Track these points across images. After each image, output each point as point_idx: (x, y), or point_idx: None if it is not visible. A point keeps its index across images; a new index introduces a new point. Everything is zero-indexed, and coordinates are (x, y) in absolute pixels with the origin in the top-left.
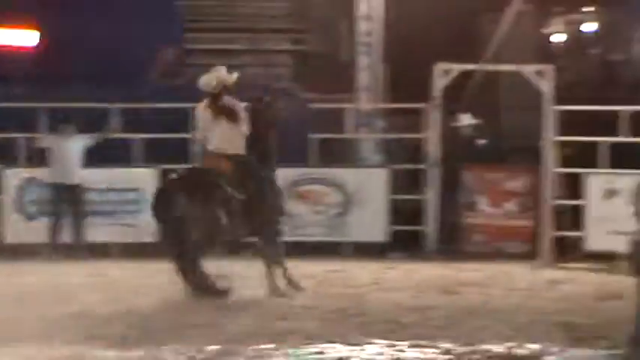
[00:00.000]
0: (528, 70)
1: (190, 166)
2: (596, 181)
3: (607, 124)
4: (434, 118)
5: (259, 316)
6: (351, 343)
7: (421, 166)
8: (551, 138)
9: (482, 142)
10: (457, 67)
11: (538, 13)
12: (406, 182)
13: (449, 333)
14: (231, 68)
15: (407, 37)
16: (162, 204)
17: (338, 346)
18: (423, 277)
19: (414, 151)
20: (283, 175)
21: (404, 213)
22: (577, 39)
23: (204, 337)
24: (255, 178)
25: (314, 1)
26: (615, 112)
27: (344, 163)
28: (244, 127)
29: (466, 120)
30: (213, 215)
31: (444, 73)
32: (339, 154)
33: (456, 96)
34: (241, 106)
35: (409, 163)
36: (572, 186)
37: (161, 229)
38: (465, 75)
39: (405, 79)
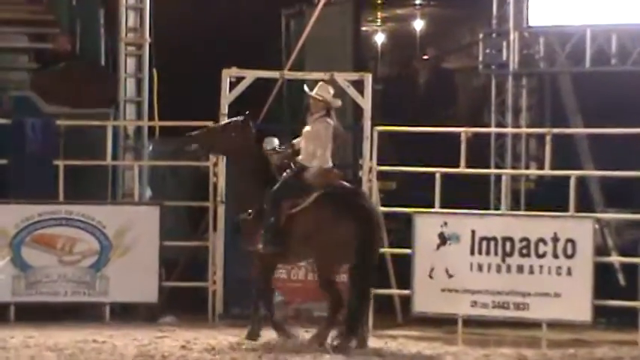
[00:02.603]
0: (342, 78)
1: None
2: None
3: (443, 148)
4: None
5: None
6: None
7: (206, 203)
8: (371, 166)
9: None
10: (250, 74)
11: (355, 8)
12: (185, 224)
13: None
14: None
15: (187, 39)
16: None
17: None
18: (206, 347)
19: (197, 184)
20: (19, 213)
21: (181, 264)
22: (404, 40)
23: None
24: None
25: None
26: (453, 135)
27: (102, 198)
28: None
29: (269, 144)
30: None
31: (234, 82)
32: (96, 186)
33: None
34: None
35: (189, 199)
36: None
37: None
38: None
39: (186, 90)
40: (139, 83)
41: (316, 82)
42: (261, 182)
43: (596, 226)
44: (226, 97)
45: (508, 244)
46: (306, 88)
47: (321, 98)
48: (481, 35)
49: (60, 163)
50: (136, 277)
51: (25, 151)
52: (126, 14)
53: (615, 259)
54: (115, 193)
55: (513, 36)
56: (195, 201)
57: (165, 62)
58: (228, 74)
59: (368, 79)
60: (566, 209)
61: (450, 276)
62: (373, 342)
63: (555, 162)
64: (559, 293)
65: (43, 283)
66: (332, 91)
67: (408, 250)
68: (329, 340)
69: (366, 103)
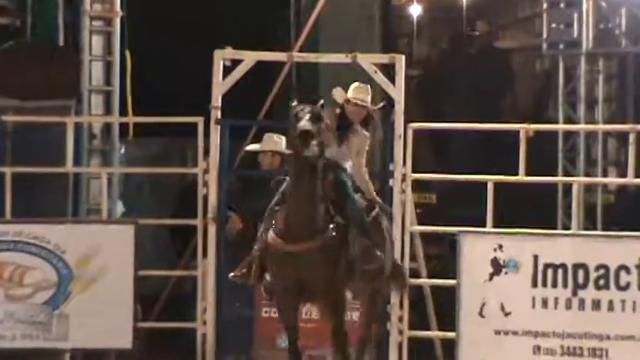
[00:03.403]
0: (367, 61)
1: None
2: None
3: (497, 150)
4: (215, 140)
5: None
6: None
7: (193, 222)
8: (404, 173)
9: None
10: (250, 56)
11: None
12: (167, 248)
13: None
14: None
15: (170, 12)
16: None
17: None
18: None
19: (183, 196)
20: None
21: (163, 300)
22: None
23: None
24: None
25: None
26: (510, 133)
27: (60, 215)
28: None
29: (270, 143)
30: None
31: (229, 67)
32: (53, 200)
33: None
34: None
35: (173, 216)
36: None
37: None
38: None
39: (168, 77)
40: (107, 68)
41: (333, 69)
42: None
43: None
44: (219, 85)
45: (581, 273)
46: (337, 93)
47: (363, 104)
48: (545, 5)
49: (6, 171)
50: (105, 316)
51: None
52: None
53: None
54: (78, 208)
55: (587, 6)
56: (180, 218)
57: (141, 41)
58: (221, 56)
59: (400, 62)
60: None
61: (507, 314)
62: None
63: None
64: None
65: None
66: (370, 92)
67: (452, 281)
68: None
69: (398, 92)
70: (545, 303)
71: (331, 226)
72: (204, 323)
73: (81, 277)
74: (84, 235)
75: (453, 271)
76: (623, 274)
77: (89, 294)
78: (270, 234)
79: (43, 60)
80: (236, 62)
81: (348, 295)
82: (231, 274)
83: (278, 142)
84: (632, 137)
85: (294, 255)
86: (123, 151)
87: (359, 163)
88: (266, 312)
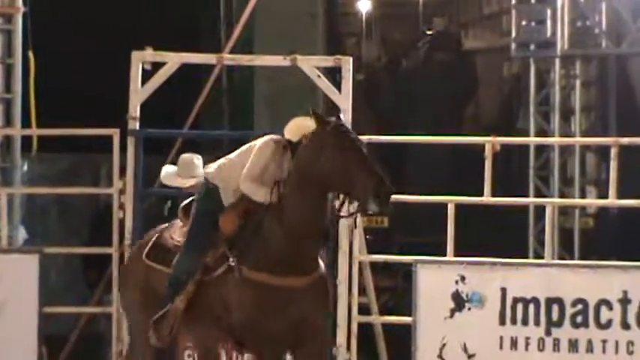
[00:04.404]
0: (308, 64)
1: None
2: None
3: (459, 167)
4: (132, 156)
5: None
6: None
7: (108, 251)
8: None
9: None
10: (173, 58)
11: None
12: (77, 281)
13: None
14: None
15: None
16: None
17: None
18: None
19: (96, 220)
20: None
21: (72, 341)
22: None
23: None
24: None
25: None
26: (474, 147)
27: None
28: None
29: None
30: None
31: (149, 70)
32: None
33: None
34: None
35: (84, 243)
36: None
37: None
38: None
39: (79, 83)
40: (7, 72)
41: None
42: None
43: None
44: (137, 92)
45: (555, 309)
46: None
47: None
48: (514, 0)
49: None
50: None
51: None
52: None
53: None
54: None
55: (562, 1)
56: (93, 246)
57: (47, 41)
58: (140, 59)
59: (347, 64)
60: None
61: (470, 356)
62: None
63: (625, 187)
64: None
65: None
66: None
67: (407, 318)
68: None
69: (344, 99)
70: (514, 343)
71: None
72: None
73: None
74: None
75: (408, 307)
76: (604, 309)
77: None
78: (248, 269)
79: None
80: (157, 65)
81: None
82: (151, 335)
83: (197, 165)
84: (613, 152)
85: (291, 291)
86: (25, 168)
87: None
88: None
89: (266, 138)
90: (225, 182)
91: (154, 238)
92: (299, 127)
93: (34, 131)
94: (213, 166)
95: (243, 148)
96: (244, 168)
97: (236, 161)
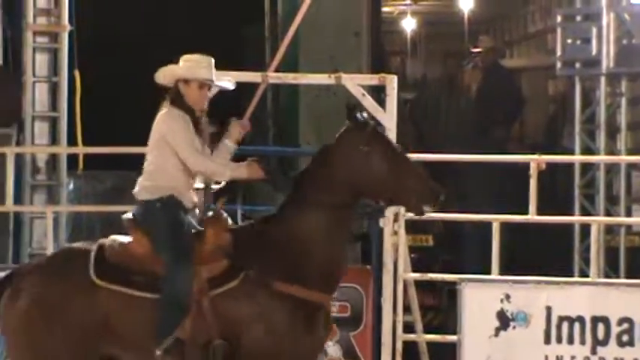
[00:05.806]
0: (353, 82)
1: None
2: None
3: (503, 186)
4: None
5: None
6: None
7: None
8: (397, 212)
9: None
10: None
11: None
12: None
13: None
14: None
15: (126, 26)
16: None
17: None
18: None
19: None
20: None
21: None
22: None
23: None
24: None
25: None
26: (518, 166)
27: None
28: None
29: None
30: None
31: None
32: None
33: None
34: None
35: None
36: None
37: None
38: None
39: (125, 101)
40: (53, 91)
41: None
42: None
43: None
44: None
45: (601, 328)
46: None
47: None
48: (559, 18)
49: None
50: None
51: None
52: None
53: None
54: (19, 252)
55: (607, 19)
56: None
57: (93, 60)
58: None
59: (392, 83)
60: None
61: None
62: None
63: None
64: None
65: None
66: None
67: (452, 337)
68: None
69: (389, 118)
70: None
71: None
72: None
73: None
74: None
75: (453, 325)
76: None
77: None
78: (286, 284)
79: None
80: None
81: None
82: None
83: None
84: None
85: (322, 309)
86: (72, 186)
87: None
88: None
89: (161, 114)
90: (173, 183)
91: (93, 254)
92: (171, 71)
93: (80, 149)
94: (143, 185)
95: (148, 148)
96: (178, 153)
97: (159, 162)
